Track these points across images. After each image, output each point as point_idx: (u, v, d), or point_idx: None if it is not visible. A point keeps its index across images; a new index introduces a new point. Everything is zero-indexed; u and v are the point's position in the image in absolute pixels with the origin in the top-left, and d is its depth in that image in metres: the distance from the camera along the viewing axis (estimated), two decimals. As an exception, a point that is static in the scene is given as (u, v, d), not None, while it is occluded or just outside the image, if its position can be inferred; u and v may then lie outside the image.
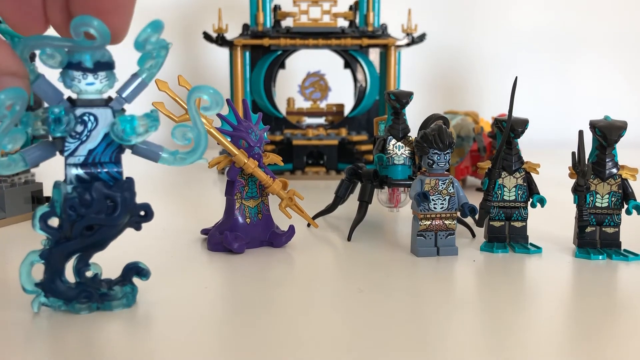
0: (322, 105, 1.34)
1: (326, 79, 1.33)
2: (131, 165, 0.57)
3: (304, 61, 1.52)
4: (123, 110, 0.49)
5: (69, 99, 0.48)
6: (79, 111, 0.47)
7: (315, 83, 1.33)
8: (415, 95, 0.75)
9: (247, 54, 1.26)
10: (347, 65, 1.33)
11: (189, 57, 1.78)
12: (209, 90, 0.49)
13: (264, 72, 1.25)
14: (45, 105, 0.47)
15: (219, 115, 0.68)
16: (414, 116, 0.80)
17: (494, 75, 1.88)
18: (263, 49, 1.25)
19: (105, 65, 0.48)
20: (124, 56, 0.53)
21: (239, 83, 1.24)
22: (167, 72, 0.69)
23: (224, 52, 1.30)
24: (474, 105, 1.79)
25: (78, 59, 0.47)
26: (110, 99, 0.49)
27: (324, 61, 1.46)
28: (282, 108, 1.34)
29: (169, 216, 0.87)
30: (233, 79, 1.24)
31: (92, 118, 0.48)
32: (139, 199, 0.50)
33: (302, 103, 1.37)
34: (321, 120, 1.36)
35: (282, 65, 1.32)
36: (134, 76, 0.49)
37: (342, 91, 1.47)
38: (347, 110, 1.34)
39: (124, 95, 0.49)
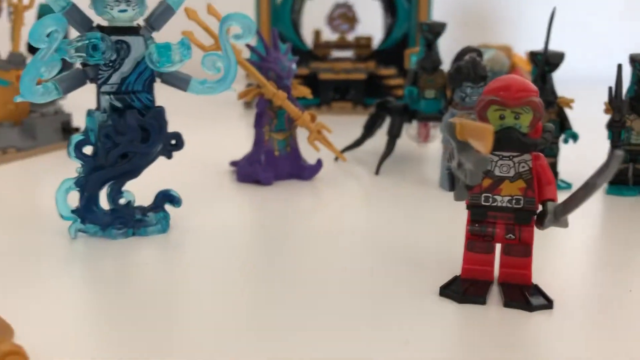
0: (350, 37, 1.31)
1: (354, 10, 1.29)
2: (159, 95, 0.57)
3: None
4: (152, 38, 0.49)
5: (98, 26, 0.48)
6: (112, 39, 0.47)
7: (343, 14, 1.29)
8: (448, 27, 0.73)
9: (274, -17, 1.22)
10: (376, -4, 1.29)
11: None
12: (241, 18, 0.48)
13: (291, 3, 1.22)
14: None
15: (247, 45, 0.67)
16: (445, 50, 0.78)
17: (532, 5, 1.80)
18: (290, -22, 1.21)
19: (137, -8, 0.47)
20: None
21: (265, 14, 1.21)
22: (196, 1, 0.68)
23: (250, -18, 1.27)
24: (509, 38, 1.73)
25: (111, -15, 0.46)
26: (139, 26, 0.49)
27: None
28: (309, 40, 1.31)
29: (198, 148, 0.88)
30: (259, 9, 1.21)
31: (124, 46, 0.48)
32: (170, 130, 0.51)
33: (329, 35, 1.34)
34: (349, 54, 1.33)
35: (310, -4, 1.28)
36: (162, 3, 0.49)
37: (371, 23, 1.43)
38: (376, 43, 1.31)
39: (152, 22, 0.49)
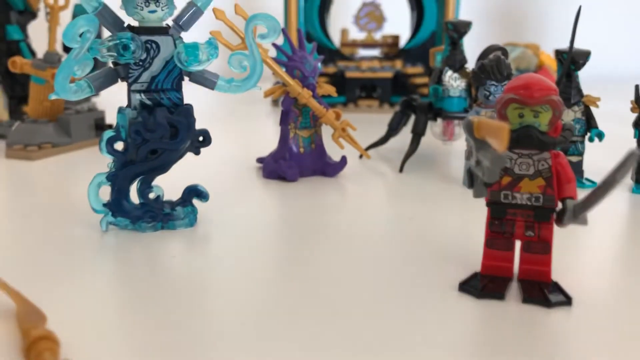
0: (377, 36, 1.32)
1: (382, 9, 1.30)
2: (189, 93, 0.58)
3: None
4: (180, 38, 0.51)
5: (129, 26, 0.49)
6: (142, 39, 0.48)
7: (371, 13, 1.30)
8: (474, 26, 0.73)
9: (302, -17, 1.24)
10: (403, -6, 1.29)
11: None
12: (266, 18, 0.49)
13: (319, 2, 1.23)
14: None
15: (274, 44, 0.69)
16: (472, 48, 0.78)
17: (560, 3, 1.78)
18: (318, -22, 1.22)
19: (167, -7, 0.49)
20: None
21: (293, 13, 1.22)
22: (224, 1, 0.69)
23: (279, -19, 1.28)
24: (536, 36, 1.72)
25: (141, -14, 0.48)
26: (168, 27, 0.50)
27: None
28: (336, 39, 1.32)
29: (226, 145, 0.90)
30: (287, 9, 1.23)
31: (154, 45, 0.49)
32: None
33: (356, 34, 1.34)
34: (376, 52, 1.34)
35: (337, -5, 1.29)
36: (190, 4, 0.50)
37: (398, 21, 1.43)
38: (403, 42, 1.31)
39: (181, 23, 0.50)
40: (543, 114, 0.38)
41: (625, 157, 0.32)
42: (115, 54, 0.47)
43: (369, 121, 1.10)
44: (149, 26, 0.49)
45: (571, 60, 0.65)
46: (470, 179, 0.38)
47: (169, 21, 0.51)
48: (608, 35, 1.74)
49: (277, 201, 0.64)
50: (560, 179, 0.39)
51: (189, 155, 0.53)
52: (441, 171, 0.75)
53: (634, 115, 0.65)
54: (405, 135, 0.79)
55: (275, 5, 1.48)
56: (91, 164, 0.78)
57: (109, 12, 0.48)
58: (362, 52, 1.35)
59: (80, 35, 0.45)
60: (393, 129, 0.80)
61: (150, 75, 0.49)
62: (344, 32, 1.34)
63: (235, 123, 1.14)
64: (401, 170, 0.73)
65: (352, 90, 1.22)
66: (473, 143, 0.35)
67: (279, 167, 0.68)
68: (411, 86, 1.21)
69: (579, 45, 0.64)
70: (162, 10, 0.49)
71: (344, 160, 0.71)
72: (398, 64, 1.23)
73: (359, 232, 0.53)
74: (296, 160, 0.69)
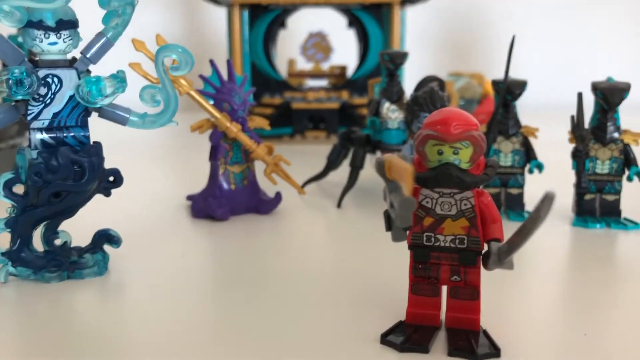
0: (325, 66, 1.30)
1: (329, 40, 1.28)
2: (118, 128, 0.54)
3: (306, 21, 1.47)
4: (88, 71, 0.47)
5: (31, 59, 0.46)
6: (41, 72, 0.45)
7: (318, 44, 1.28)
8: (422, 56, 0.72)
9: (246, 13, 1.21)
10: (350, 24, 1.28)
11: (186, 18, 1.74)
12: (177, 49, 0.46)
13: (263, 32, 1.21)
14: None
15: (201, 76, 0.66)
16: (418, 78, 0.76)
17: (505, 35, 1.81)
18: (262, 7, 1.20)
19: (68, 24, 0.45)
20: (88, 15, 0.51)
21: (237, 44, 1.20)
22: (162, 33, 0.66)
23: (222, 11, 1.26)
24: (484, 66, 1.73)
25: (39, 17, 0.44)
26: (74, 59, 0.47)
27: (326, 20, 1.41)
28: (283, 70, 1.30)
29: (156, 181, 0.85)
30: (231, 40, 1.20)
31: (55, 80, 0.45)
32: (127, 164, 0.48)
33: (304, 64, 1.33)
34: (323, 83, 1.32)
35: (283, 25, 1.27)
36: (99, 35, 0.47)
37: (345, 52, 1.42)
38: (350, 72, 1.30)
39: (88, 55, 0.47)
40: (463, 151, 0.35)
41: (541, 200, 0.29)
42: (7, 91, 0.43)
43: (316, 153, 1.08)
44: (51, 59, 0.45)
45: (507, 91, 0.63)
46: (388, 222, 0.36)
47: (77, 53, 0.47)
48: (547, 62, 1.78)
49: (205, 243, 0.60)
50: (485, 220, 0.36)
51: (115, 193, 0.49)
52: (380, 206, 0.71)
53: (573, 145, 0.63)
54: (347, 168, 0.76)
55: (219, 34, 1.46)
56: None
57: (7, 44, 0.44)
58: (310, 83, 1.33)
59: (-33, 70, 0.41)
60: (332, 162, 0.77)
61: (52, 112, 0.46)
62: (291, 63, 1.32)
63: (172, 156, 1.09)
64: (339, 205, 0.70)
65: (299, 122, 1.19)
66: (385, 184, 0.32)
67: (208, 205, 0.64)
68: (358, 117, 1.19)
69: (518, 74, 0.63)
70: (65, 42, 0.45)
71: (278, 196, 0.68)
72: (345, 95, 1.21)
73: (289, 276, 0.50)
74: (227, 198, 0.65)
